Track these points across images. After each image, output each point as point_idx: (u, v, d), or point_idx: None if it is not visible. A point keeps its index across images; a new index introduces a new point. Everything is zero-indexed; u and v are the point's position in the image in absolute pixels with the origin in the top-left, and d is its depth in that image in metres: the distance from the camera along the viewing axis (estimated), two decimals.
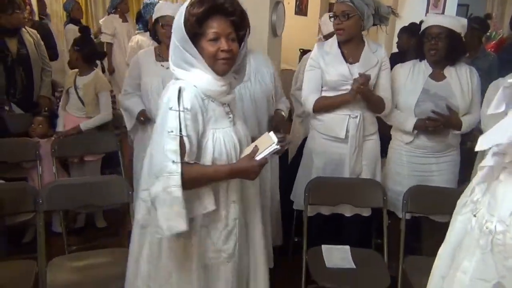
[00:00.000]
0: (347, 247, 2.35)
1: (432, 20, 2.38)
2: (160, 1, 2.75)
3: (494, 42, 5.38)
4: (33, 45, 3.39)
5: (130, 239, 1.76)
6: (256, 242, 1.74)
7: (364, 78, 2.25)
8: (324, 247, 2.34)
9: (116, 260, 2.21)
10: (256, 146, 1.53)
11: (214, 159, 1.53)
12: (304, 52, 4.73)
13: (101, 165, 3.15)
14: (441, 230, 2.52)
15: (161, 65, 2.56)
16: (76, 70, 3.09)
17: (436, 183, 2.45)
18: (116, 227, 3.21)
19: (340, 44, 2.41)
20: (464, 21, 2.40)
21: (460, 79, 2.39)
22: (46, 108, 3.30)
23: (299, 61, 4.16)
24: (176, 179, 1.40)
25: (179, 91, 1.46)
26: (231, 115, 1.61)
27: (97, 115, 3.06)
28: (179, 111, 1.43)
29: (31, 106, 3.30)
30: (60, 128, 3.07)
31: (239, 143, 1.60)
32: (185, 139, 1.43)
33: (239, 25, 1.54)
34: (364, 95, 2.32)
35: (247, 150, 1.57)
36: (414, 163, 2.49)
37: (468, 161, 2.59)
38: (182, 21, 1.46)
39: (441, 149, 2.45)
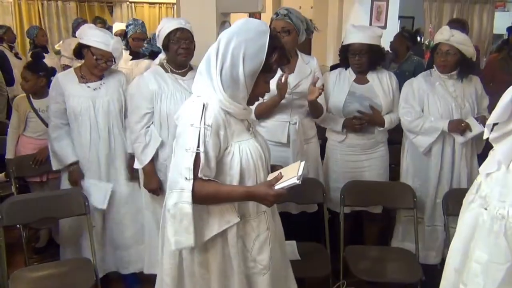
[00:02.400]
0: (294, 242, 2.54)
1: (354, 37, 2.63)
2: (87, 25, 2.69)
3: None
4: None
5: None
6: (284, 250, 1.81)
7: (284, 83, 2.39)
8: None
9: (77, 269, 2.35)
10: (280, 173, 1.53)
11: (241, 169, 1.54)
12: None
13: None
14: (376, 221, 2.81)
15: (87, 86, 2.58)
16: (24, 94, 3.12)
17: (367, 178, 2.71)
18: None
19: None
20: (380, 31, 2.70)
21: (381, 81, 2.71)
22: None
23: None
24: (187, 196, 1.44)
25: (203, 107, 1.48)
26: (251, 128, 1.67)
27: None
28: (199, 127, 1.46)
29: None
30: (11, 153, 3.07)
31: (263, 153, 1.64)
32: (202, 155, 1.45)
33: None
34: (311, 102, 2.49)
35: (272, 174, 1.58)
36: (347, 161, 2.74)
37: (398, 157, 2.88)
38: (263, 60, 1.48)
39: (371, 146, 2.72)
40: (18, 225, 2.63)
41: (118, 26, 4.91)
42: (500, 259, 1.22)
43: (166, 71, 2.46)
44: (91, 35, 2.50)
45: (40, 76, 3.04)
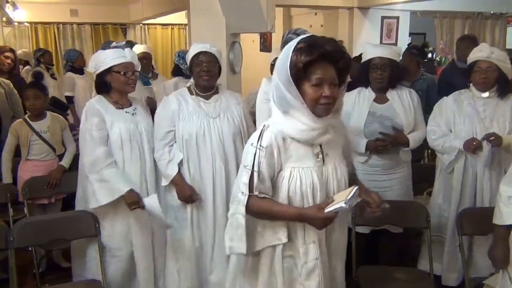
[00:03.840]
0: None
1: (374, 52, 2.65)
2: (104, 51, 2.52)
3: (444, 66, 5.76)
4: (4, 96, 3.57)
5: None
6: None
7: None
8: None
9: None
10: (332, 197, 1.54)
11: (289, 197, 1.58)
12: None
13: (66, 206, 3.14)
14: (394, 240, 2.76)
15: (126, 112, 2.50)
16: (20, 119, 3.11)
17: (388, 198, 2.62)
18: None
19: None
20: (399, 49, 2.75)
21: (402, 100, 2.67)
22: None
23: None
24: (241, 209, 1.57)
25: (262, 129, 1.60)
26: (320, 155, 1.61)
27: (69, 151, 3.14)
28: (256, 148, 1.56)
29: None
30: (8, 178, 3.08)
31: (323, 184, 1.60)
32: (255, 174, 1.55)
33: (344, 70, 1.56)
34: None
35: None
36: (368, 181, 2.65)
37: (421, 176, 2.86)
38: (288, 64, 1.48)
39: (392, 166, 2.69)
40: (30, 248, 2.66)
41: (140, 49, 4.52)
42: None
43: (191, 93, 2.53)
44: (106, 57, 2.43)
45: (46, 95, 3.07)
